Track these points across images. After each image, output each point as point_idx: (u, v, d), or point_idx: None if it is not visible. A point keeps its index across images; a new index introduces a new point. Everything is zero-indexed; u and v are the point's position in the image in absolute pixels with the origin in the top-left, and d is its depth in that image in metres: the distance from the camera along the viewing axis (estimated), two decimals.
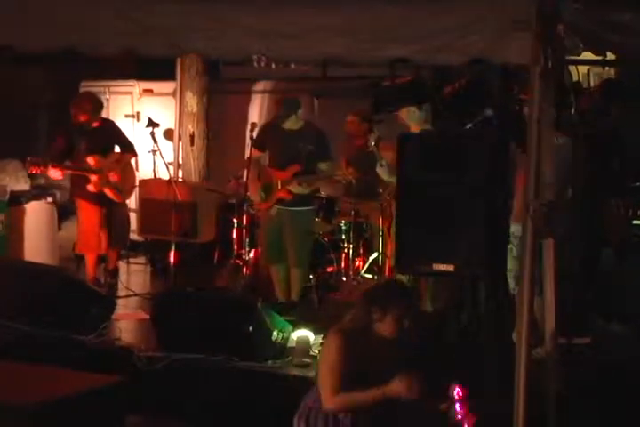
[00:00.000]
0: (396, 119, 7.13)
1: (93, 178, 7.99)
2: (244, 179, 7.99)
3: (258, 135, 7.78)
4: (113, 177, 8.05)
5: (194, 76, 10.34)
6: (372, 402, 4.01)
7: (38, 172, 8.11)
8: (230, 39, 5.33)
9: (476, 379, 5.20)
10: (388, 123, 7.55)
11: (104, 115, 10.63)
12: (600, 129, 7.09)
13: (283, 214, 7.59)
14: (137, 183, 8.90)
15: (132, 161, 8.59)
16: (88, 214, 8.16)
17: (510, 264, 5.48)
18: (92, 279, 8.07)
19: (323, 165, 7.58)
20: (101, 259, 8.59)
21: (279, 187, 7.52)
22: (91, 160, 7.98)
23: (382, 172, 7.50)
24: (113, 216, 8.29)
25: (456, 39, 4.77)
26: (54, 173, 7.98)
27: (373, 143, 7.79)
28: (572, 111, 6.56)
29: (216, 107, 10.65)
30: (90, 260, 8.24)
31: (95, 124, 8.07)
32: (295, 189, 7.50)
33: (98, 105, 8.15)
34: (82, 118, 7.96)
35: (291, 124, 7.52)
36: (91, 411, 4.65)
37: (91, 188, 8.02)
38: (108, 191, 8.08)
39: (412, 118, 7.00)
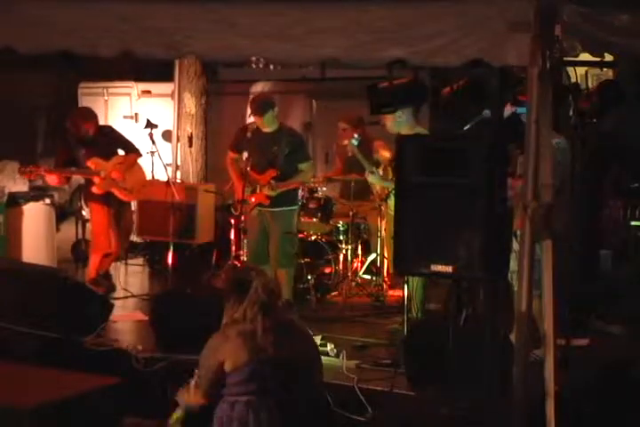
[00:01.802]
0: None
1: (96, 180, 8.01)
2: None
3: (235, 137, 7.79)
4: (115, 176, 8.06)
5: (192, 77, 10.36)
6: None
7: (35, 178, 8.16)
8: (228, 41, 5.33)
9: (475, 379, 5.21)
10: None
11: (103, 116, 10.71)
12: (599, 130, 7.10)
13: (265, 215, 7.61)
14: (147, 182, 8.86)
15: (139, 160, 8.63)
16: (97, 216, 8.20)
17: (514, 266, 5.48)
18: (90, 280, 8.07)
19: (302, 166, 7.62)
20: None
21: (257, 191, 7.54)
22: (91, 164, 8.01)
23: (374, 179, 7.52)
24: (121, 217, 8.34)
25: (454, 41, 4.76)
26: (50, 179, 8.07)
27: (356, 147, 7.83)
28: (571, 112, 6.57)
29: (214, 108, 10.66)
30: (95, 260, 8.22)
31: (93, 133, 8.07)
32: (271, 193, 7.52)
33: (94, 120, 8.16)
34: (78, 133, 8.01)
35: (266, 125, 7.51)
36: (89, 412, 4.66)
37: (94, 189, 8.04)
38: (115, 191, 8.11)
39: (400, 126, 7.01)
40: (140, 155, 8.42)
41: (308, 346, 4.60)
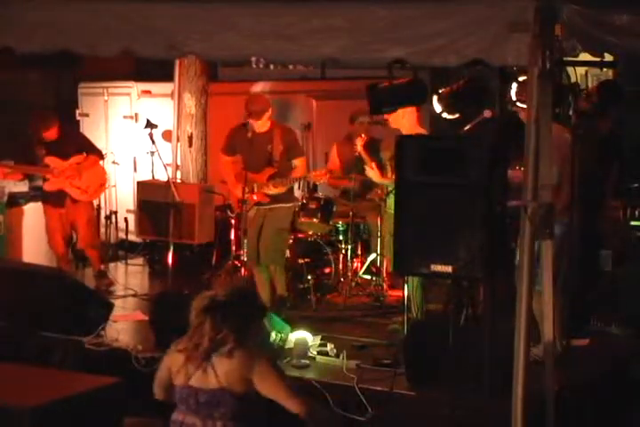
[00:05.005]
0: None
1: (49, 177, 8.28)
2: None
3: (226, 141, 7.84)
4: (69, 174, 8.25)
5: (192, 77, 10.33)
6: None
7: None
8: (228, 41, 5.33)
9: (475, 379, 5.21)
10: (386, 124, 7.55)
11: (103, 116, 10.71)
12: (599, 130, 7.10)
13: (261, 213, 7.64)
14: (107, 184, 9.02)
15: (108, 163, 8.96)
16: (47, 218, 8.48)
17: None
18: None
19: (296, 162, 7.63)
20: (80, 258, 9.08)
21: (255, 190, 7.56)
22: (48, 161, 8.25)
23: (372, 174, 7.53)
24: (75, 216, 8.45)
25: (454, 40, 4.77)
26: None
27: (360, 147, 7.86)
28: (570, 112, 6.56)
29: (214, 108, 10.65)
30: (57, 259, 8.64)
31: (55, 136, 8.24)
32: (271, 191, 7.53)
33: (54, 127, 8.25)
34: (39, 135, 8.22)
35: (261, 126, 7.55)
36: (89, 412, 4.65)
37: (46, 186, 8.34)
38: (67, 189, 8.30)
39: (399, 124, 7.03)
40: (102, 158, 8.65)
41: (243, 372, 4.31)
